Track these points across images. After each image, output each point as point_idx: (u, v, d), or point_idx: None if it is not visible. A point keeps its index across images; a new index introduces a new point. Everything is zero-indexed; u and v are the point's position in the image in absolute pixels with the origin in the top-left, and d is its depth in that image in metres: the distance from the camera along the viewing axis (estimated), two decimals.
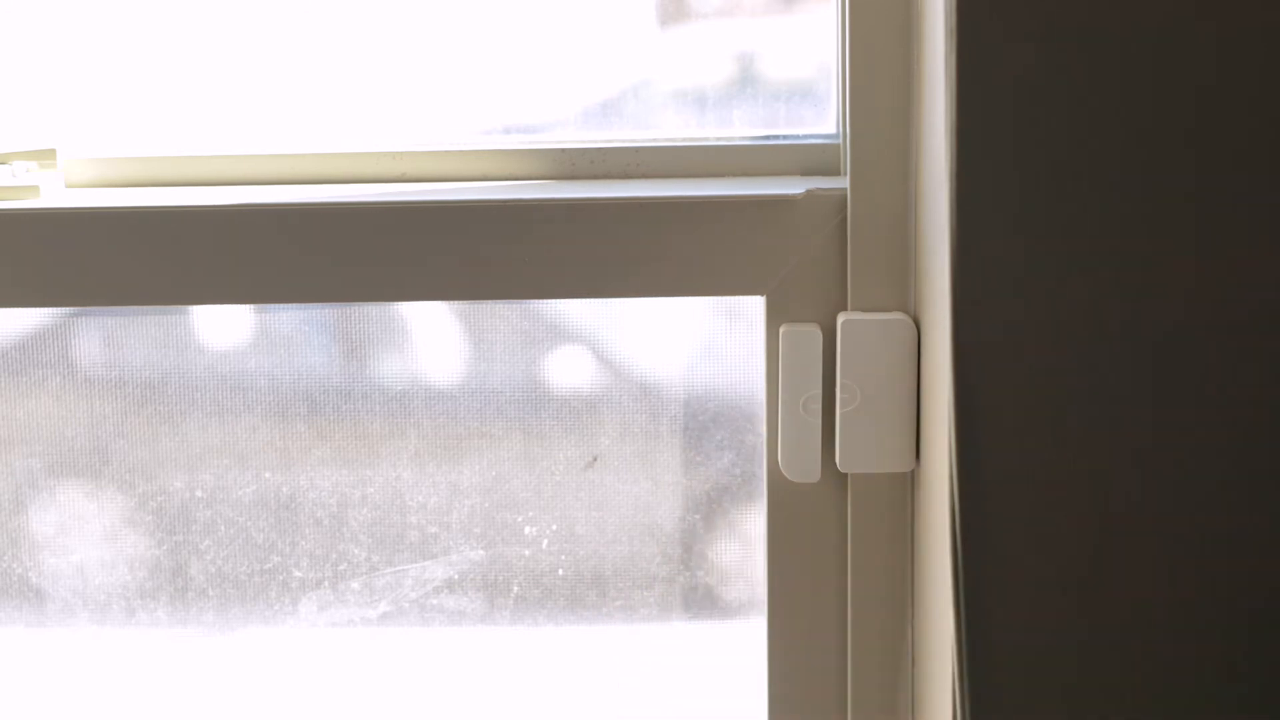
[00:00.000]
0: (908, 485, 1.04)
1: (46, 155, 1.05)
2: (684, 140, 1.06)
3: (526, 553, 1.15)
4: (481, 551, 1.15)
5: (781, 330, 1.02)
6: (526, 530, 1.15)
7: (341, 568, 1.15)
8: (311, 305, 1.12)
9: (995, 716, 0.93)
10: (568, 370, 1.13)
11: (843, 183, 1.01)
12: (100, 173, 1.07)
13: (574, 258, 1.01)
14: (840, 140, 1.03)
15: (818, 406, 1.02)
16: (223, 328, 1.13)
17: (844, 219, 1.01)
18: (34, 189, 1.02)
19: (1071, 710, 0.94)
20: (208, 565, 1.15)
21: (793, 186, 1.01)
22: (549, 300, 1.08)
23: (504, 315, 1.11)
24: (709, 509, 1.14)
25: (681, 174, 1.05)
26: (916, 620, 1.04)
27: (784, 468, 1.03)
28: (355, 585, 1.16)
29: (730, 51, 1.11)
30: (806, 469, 1.03)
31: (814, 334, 1.01)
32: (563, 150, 1.05)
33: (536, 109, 1.12)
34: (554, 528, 1.15)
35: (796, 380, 1.02)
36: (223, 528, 1.15)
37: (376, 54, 1.12)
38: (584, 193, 1.00)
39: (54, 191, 1.04)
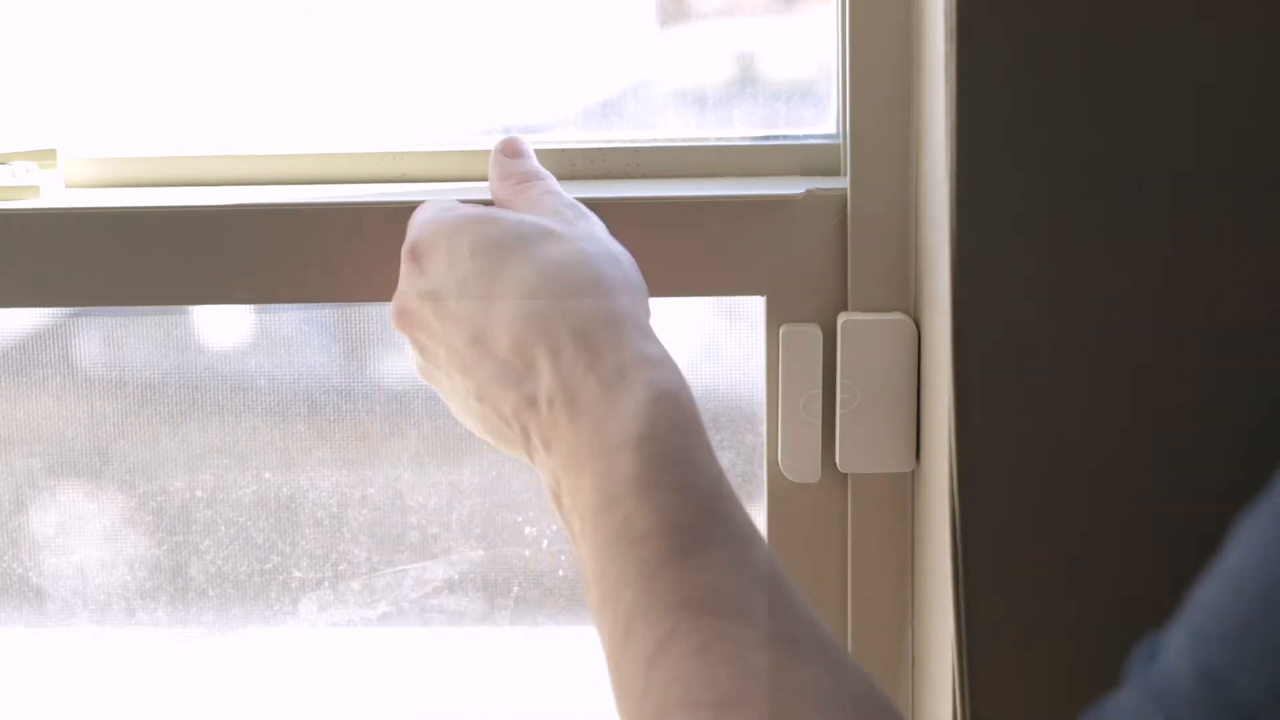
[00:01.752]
0: (908, 485, 1.04)
1: (47, 155, 1.05)
2: (684, 140, 1.06)
3: (526, 553, 1.15)
4: (481, 551, 1.15)
5: (782, 330, 1.02)
6: (526, 530, 1.15)
7: (341, 568, 1.16)
8: (312, 305, 1.12)
9: (995, 717, 0.93)
10: None
11: (843, 183, 1.01)
12: (101, 173, 1.06)
13: None
14: (840, 140, 1.03)
15: (818, 407, 1.02)
16: (223, 328, 1.13)
17: (844, 218, 1.01)
18: (34, 189, 1.02)
19: (1072, 711, 0.94)
20: (207, 565, 1.16)
21: (793, 187, 1.01)
22: None
23: None
24: None
25: (682, 174, 1.05)
26: (916, 620, 1.04)
27: (784, 468, 1.03)
28: (355, 585, 1.16)
29: (730, 51, 1.11)
30: (807, 469, 1.03)
31: (814, 334, 1.01)
32: (563, 150, 1.05)
33: (536, 109, 1.12)
34: (554, 528, 1.15)
35: (797, 380, 1.02)
36: (223, 528, 1.15)
37: (376, 54, 1.12)
38: (583, 192, 1.00)
39: (54, 192, 1.04)
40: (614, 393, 0.81)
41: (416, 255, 0.91)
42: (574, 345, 0.83)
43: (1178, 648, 0.54)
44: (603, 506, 0.78)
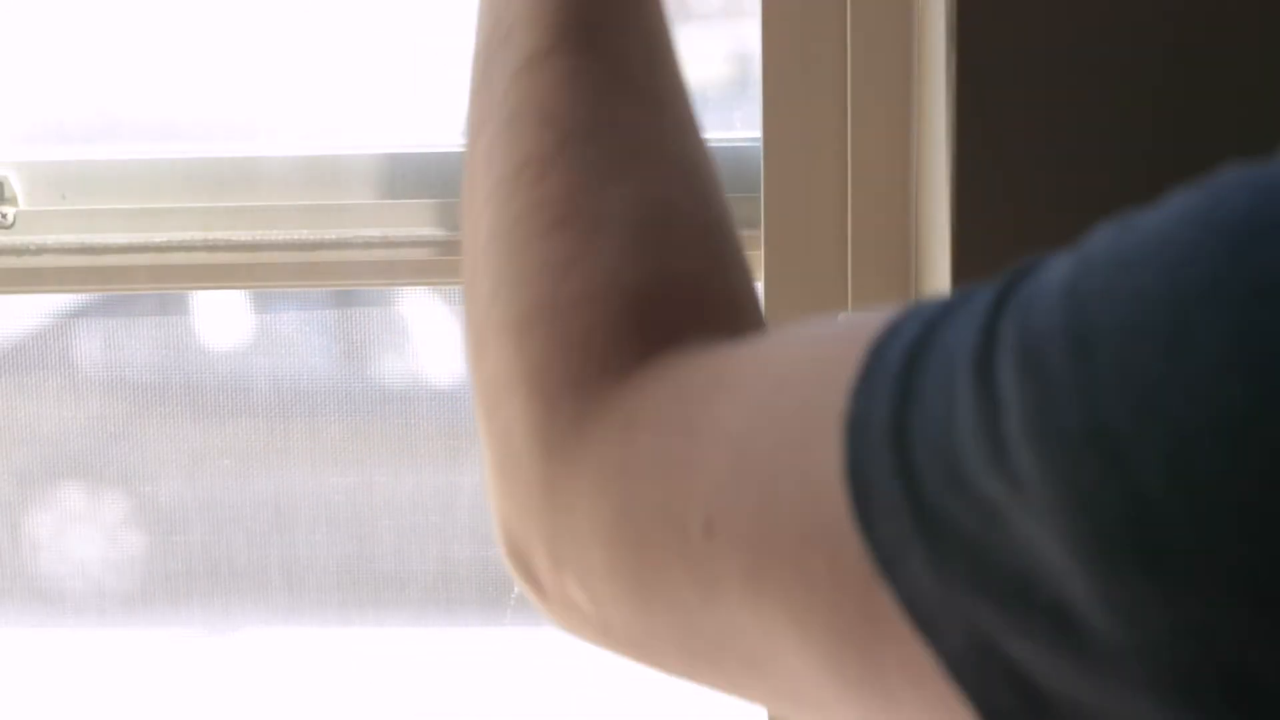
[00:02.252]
0: None
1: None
2: None
3: None
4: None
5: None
6: None
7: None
8: (311, 305, 1.12)
9: None
10: None
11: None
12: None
13: None
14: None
15: None
16: (223, 328, 1.13)
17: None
18: None
19: None
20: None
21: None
22: None
23: None
24: None
25: None
26: None
27: None
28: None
29: (730, 51, 1.11)
30: None
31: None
32: None
33: None
34: None
35: None
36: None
37: (376, 53, 1.12)
38: None
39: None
40: None
41: None
42: None
43: (1059, 265, 0.52)
44: None
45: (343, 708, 1.20)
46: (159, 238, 1.03)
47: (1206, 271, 0.48)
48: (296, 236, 1.04)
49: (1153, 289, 0.48)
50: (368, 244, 1.04)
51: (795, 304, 1.02)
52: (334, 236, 1.04)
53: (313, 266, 1.04)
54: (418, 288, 1.12)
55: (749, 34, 1.02)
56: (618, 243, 0.65)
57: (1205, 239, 0.49)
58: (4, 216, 1.03)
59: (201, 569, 1.15)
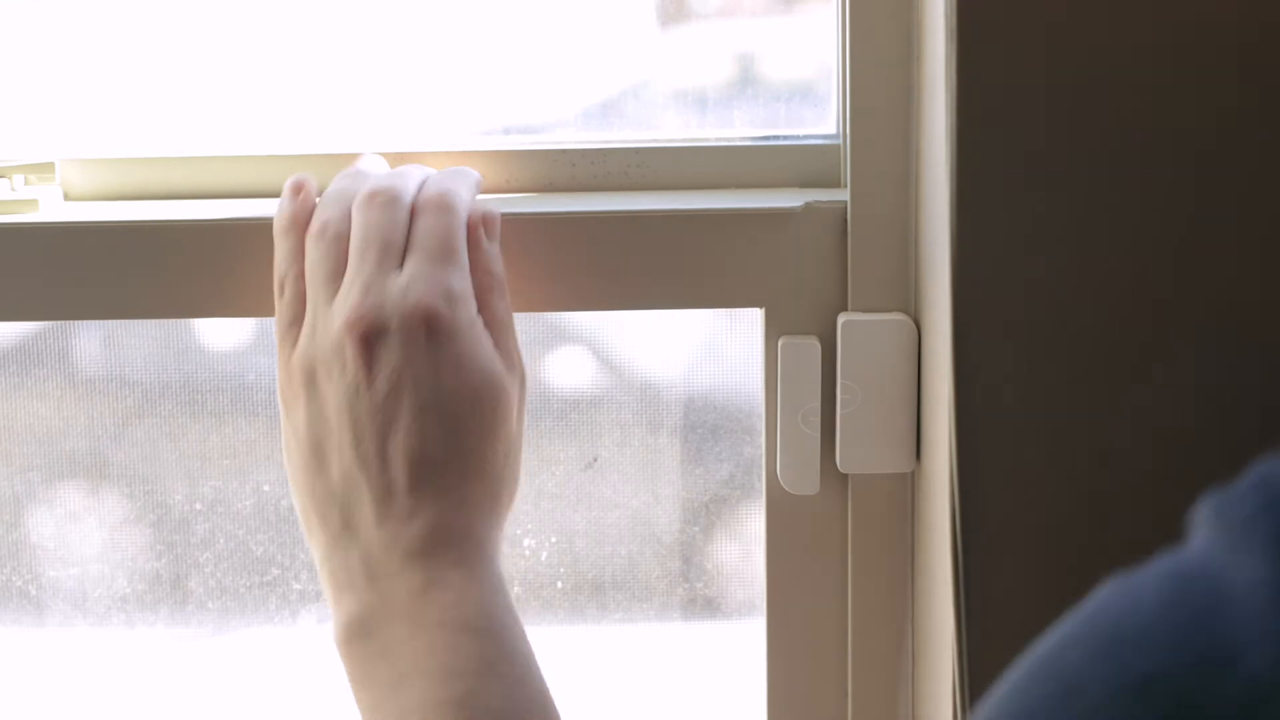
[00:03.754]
0: (908, 485, 1.04)
1: (45, 169, 1.04)
2: (685, 140, 1.05)
3: (526, 555, 1.15)
4: None
5: (780, 342, 1.01)
6: (526, 541, 1.15)
7: None
8: None
9: None
10: (567, 375, 1.13)
11: (842, 195, 1.01)
12: (99, 181, 1.06)
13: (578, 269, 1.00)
14: (840, 141, 1.03)
15: (817, 419, 1.02)
16: (224, 333, 1.13)
17: (843, 229, 1.00)
18: (33, 203, 1.02)
19: None
20: (206, 576, 1.15)
21: (792, 200, 1.01)
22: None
23: None
24: (709, 512, 1.15)
25: (683, 175, 1.05)
26: (916, 620, 1.04)
27: (783, 480, 1.02)
28: None
29: (730, 51, 1.11)
30: (806, 481, 1.02)
31: (813, 346, 1.01)
32: (562, 151, 1.05)
33: (536, 109, 1.12)
34: (554, 540, 1.15)
35: (795, 392, 1.01)
36: (222, 538, 1.15)
37: (376, 54, 1.12)
38: (580, 205, 1.00)
39: (52, 206, 1.03)
40: (420, 605, 0.90)
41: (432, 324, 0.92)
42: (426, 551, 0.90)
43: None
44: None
45: (344, 708, 1.19)
46: None
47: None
48: None
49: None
50: None
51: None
52: None
53: None
54: None
55: (749, 34, 1.02)
56: None
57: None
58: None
59: (202, 569, 1.15)
